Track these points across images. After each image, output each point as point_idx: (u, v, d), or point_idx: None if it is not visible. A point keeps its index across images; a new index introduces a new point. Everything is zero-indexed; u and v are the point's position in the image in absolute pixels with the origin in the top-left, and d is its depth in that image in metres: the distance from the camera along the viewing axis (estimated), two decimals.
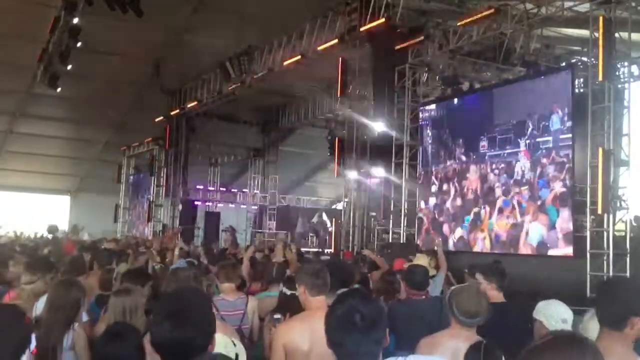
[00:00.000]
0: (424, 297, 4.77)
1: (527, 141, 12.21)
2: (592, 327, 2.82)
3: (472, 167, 13.54)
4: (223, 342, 2.67)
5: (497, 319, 3.93)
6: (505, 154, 12.79)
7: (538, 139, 11.98)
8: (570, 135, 11.28)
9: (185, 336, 1.99)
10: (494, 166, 13.01)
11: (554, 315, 3.56)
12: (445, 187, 14.06)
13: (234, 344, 2.74)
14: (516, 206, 12.25)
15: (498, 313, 4.07)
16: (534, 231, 11.74)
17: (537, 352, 1.49)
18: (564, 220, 11.17)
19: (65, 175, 31.07)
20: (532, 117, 12.12)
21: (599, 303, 2.61)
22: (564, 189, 11.30)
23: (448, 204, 13.89)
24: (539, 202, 11.76)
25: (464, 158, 13.77)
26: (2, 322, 2.05)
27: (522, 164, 12.28)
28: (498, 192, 12.79)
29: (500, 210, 12.65)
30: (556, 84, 12.01)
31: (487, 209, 12.92)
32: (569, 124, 11.33)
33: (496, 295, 4.42)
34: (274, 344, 3.18)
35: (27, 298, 4.51)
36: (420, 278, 4.86)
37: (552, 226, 11.42)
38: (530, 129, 12.15)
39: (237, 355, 2.68)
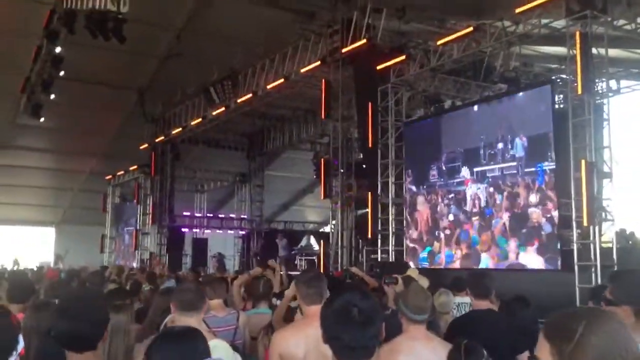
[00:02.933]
0: None
1: (475, 170, 12.29)
2: None
3: (421, 198, 13.53)
4: (224, 347, 2.67)
5: (487, 324, 4.00)
6: (454, 183, 12.80)
7: (485, 167, 12.08)
8: (514, 163, 11.50)
9: (77, 328, 2.36)
10: (443, 196, 13.01)
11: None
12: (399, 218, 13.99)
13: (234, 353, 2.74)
14: (468, 237, 12.30)
15: (484, 318, 4.14)
16: (484, 263, 11.81)
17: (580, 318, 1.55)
18: (512, 250, 11.30)
19: (49, 206, 30.76)
20: (481, 145, 12.23)
21: None
22: (510, 220, 11.44)
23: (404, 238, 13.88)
24: (489, 233, 11.85)
25: (414, 188, 13.82)
26: None
27: (471, 194, 12.33)
28: (448, 223, 12.82)
29: (451, 242, 12.68)
30: (516, 108, 11.99)
31: (442, 240, 12.90)
32: (521, 153, 11.44)
33: (486, 304, 4.49)
34: (270, 353, 3.18)
35: None
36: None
37: (503, 257, 11.50)
38: (478, 157, 12.24)
39: None
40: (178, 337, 2.14)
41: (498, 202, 11.74)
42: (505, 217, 11.57)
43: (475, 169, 12.32)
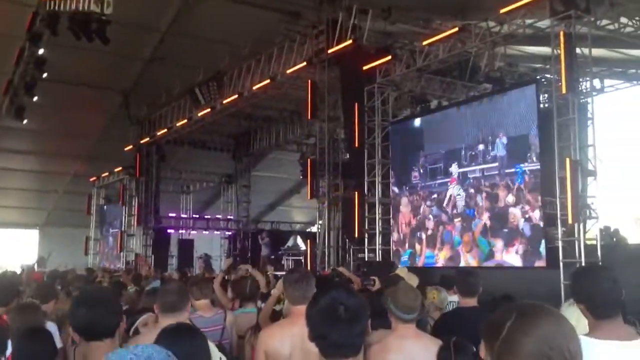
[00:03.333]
0: None
1: (457, 171, 12.35)
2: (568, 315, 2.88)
3: (404, 199, 13.58)
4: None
5: (473, 322, 4.00)
6: (435, 185, 12.85)
7: (466, 169, 12.15)
8: (496, 164, 11.61)
9: (97, 314, 2.49)
10: (425, 198, 13.05)
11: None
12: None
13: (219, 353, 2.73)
14: (450, 238, 12.37)
15: (471, 316, 4.15)
16: (465, 263, 11.89)
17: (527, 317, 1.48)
18: (499, 250, 11.34)
19: (33, 208, 30.41)
20: (462, 146, 12.31)
21: None
22: (491, 220, 11.52)
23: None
24: (470, 234, 11.93)
25: (396, 190, 13.84)
26: None
27: (452, 195, 12.39)
28: (431, 224, 12.85)
29: (433, 242, 12.72)
30: (498, 109, 12.02)
31: (423, 241, 12.95)
32: (502, 153, 11.52)
33: (473, 302, 4.52)
34: (256, 351, 3.19)
35: None
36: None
37: (484, 257, 11.56)
38: (459, 159, 12.31)
39: None
40: (181, 334, 2.16)
41: (479, 203, 11.81)
42: (486, 217, 11.65)
43: (457, 170, 12.39)
